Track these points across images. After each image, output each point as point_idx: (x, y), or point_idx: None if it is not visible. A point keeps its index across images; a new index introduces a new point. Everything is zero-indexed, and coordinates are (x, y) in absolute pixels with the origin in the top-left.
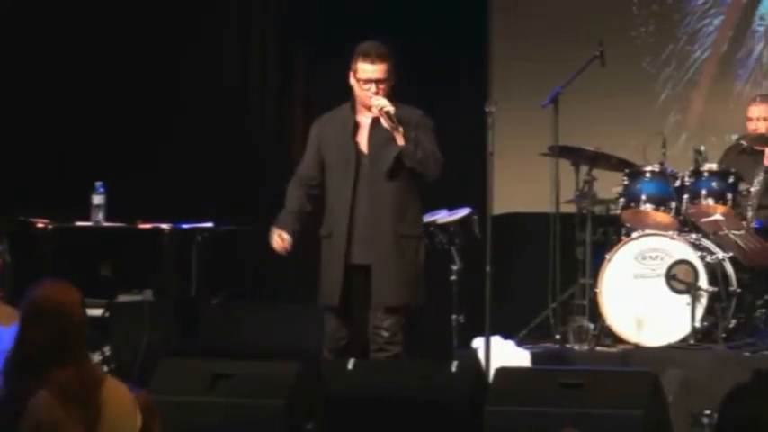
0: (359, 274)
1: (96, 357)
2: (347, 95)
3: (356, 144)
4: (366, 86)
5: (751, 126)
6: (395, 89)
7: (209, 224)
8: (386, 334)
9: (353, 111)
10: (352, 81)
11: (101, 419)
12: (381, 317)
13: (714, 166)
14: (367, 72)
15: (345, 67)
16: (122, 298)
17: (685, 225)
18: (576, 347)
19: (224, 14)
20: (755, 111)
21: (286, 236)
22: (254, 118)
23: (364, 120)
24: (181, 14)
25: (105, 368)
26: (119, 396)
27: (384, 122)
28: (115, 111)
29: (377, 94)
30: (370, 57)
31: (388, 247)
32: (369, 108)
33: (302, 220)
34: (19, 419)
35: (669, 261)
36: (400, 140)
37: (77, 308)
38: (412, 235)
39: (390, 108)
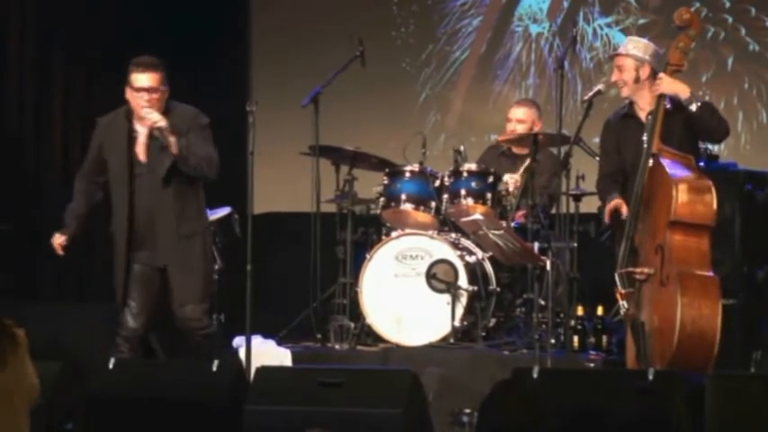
0: (156, 273)
1: None
2: (110, 99)
3: (133, 154)
4: (139, 95)
5: (509, 127)
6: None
7: None
8: (198, 324)
9: (129, 120)
10: (128, 92)
11: None
12: (188, 310)
13: (473, 166)
14: (139, 81)
15: (101, 67)
16: None
17: (445, 224)
18: (337, 347)
19: None
20: (514, 113)
21: (62, 238)
22: (15, 118)
23: (141, 129)
24: None
25: None
26: None
27: (157, 135)
28: None
29: (149, 102)
30: (141, 66)
31: (174, 250)
32: (142, 118)
33: (84, 223)
34: None
35: (429, 260)
36: (174, 150)
37: None
38: (195, 232)
39: (162, 123)
